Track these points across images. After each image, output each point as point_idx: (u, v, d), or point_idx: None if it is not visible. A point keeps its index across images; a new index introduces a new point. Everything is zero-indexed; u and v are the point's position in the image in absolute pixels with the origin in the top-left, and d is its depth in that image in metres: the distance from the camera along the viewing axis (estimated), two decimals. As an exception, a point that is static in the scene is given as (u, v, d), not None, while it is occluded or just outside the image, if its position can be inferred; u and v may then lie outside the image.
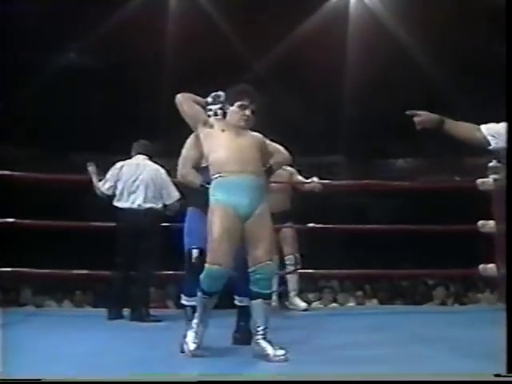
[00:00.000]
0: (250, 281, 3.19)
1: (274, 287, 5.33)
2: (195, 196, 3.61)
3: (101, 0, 11.46)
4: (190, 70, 12.73)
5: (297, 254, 5.42)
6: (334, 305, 6.73)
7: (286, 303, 5.52)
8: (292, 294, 5.48)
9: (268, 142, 3.46)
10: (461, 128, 3.05)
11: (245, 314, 3.45)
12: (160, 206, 4.92)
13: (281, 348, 3.13)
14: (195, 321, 3.26)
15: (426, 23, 11.55)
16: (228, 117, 3.35)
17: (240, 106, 3.30)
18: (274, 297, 5.35)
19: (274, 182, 5.06)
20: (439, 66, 12.10)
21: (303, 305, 5.51)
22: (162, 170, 4.98)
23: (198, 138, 3.41)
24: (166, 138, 13.57)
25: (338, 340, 3.84)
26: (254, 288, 3.18)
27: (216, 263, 3.12)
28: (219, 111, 3.47)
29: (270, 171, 3.43)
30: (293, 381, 2.77)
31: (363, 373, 2.76)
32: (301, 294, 6.01)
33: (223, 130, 3.28)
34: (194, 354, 3.19)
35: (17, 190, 5.02)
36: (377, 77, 12.38)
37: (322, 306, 6.95)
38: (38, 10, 11.46)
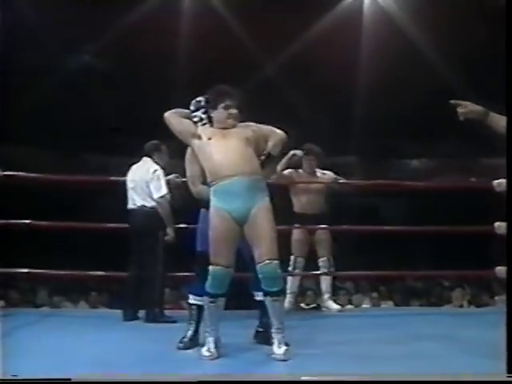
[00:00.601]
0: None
1: (294, 288, 5.38)
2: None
3: (114, 1, 11.50)
4: (204, 70, 12.75)
5: (330, 257, 5.44)
6: (350, 306, 6.71)
7: (321, 305, 5.62)
8: (326, 296, 5.51)
9: (259, 126, 3.44)
10: (505, 122, 2.92)
11: (265, 308, 3.48)
12: (152, 203, 4.91)
13: (286, 345, 3.22)
14: (207, 328, 3.38)
15: (440, 22, 11.49)
16: (214, 119, 3.40)
17: (224, 107, 3.36)
18: (290, 298, 5.39)
19: (299, 183, 5.20)
20: (454, 65, 12.03)
21: (336, 307, 5.52)
22: (153, 168, 4.98)
23: (193, 151, 3.48)
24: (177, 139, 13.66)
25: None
26: (262, 286, 3.30)
27: (217, 264, 3.25)
28: (204, 116, 3.46)
29: (270, 158, 3.46)
30: (293, 381, 2.77)
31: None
32: (317, 295, 6.04)
33: (210, 138, 3.33)
34: (210, 359, 3.30)
35: (31, 191, 5.04)
36: (391, 76, 12.33)
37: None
38: (52, 12, 11.52)
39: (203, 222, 3.66)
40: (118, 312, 5.02)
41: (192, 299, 3.73)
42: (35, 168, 5.47)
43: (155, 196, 4.89)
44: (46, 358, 3.35)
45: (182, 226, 5.10)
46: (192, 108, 3.52)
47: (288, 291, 5.46)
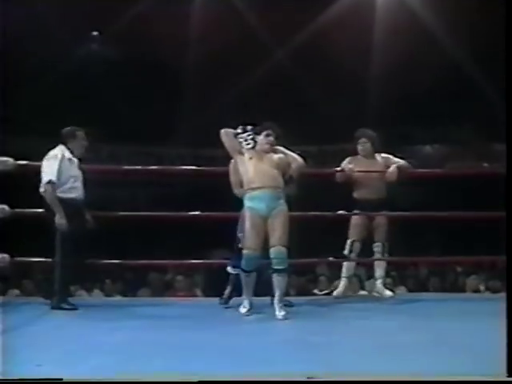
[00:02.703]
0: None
1: (349, 272, 5.49)
2: None
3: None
4: (215, 58, 12.76)
5: (385, 243, 5.44)
6: (363, 292, 6.69)
7: (371, 290, 5.65)
8: (378, 281, 5.49)
9: (285, 154, 4.66)
10: None
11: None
12: (41, 189, 4.87)
13: (285, 310, 4.39)
14: (244, 293, 4.61)
15: (454, 7, 11.39)
16: (258, 142, 4.60)
17: (265, 135, 4.62)
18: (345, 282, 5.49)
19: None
20: (467, 51, 11.94)
21: (388, 293, 5.47)
22: (49, 154, 4.94)
23: (235, 162, 4.72)
24: (189, 128, 13.69)
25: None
26: (272, 265, 4.45)
27: (249, 248, 4.48)
28: (249, 138, 4.61)
29: (291, 179, 4.71)
30: (293, 381, 2.80)
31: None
32: (332, 281, 6.03)
33: (251, 158, 4.58)
34: (246, 315, 4.54)
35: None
36: (403, 62, 12.27)
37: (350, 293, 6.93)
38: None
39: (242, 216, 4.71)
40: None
41: (230, 269, 4.94)
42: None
43: (42, 182, 4.84)
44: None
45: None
46: (239, 130, 4.63)
47: (343, 275, 5.51)
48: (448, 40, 12.26)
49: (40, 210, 5.00)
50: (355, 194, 5.52)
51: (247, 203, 4.54)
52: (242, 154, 4.61)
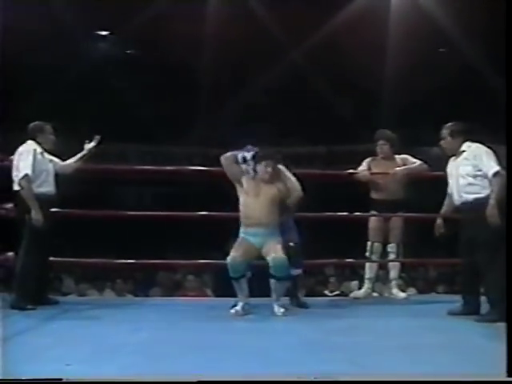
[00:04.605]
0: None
1: (371, 273, 5.46)
2: None
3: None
4: (229, 57, 12.78)
5: (400, 244, 5.44)
6: (374, 294, 6.69)
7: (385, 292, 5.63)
8: (393, 283, 5.49)
9: (285, 183, 4.72)
10: None
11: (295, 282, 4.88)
12: (17, 185, 4.76)
13: (284, 308, 4.58)
14: (238, 296, 4.63)
15: (466, 9, 11.35)
16: (258, 171, 4.68)
17: (265, 165, 4.68)
18: (368, 284, 5.47)
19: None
20: (481, 53, 11.90)
21: (402, 295, 5.48)
22: (20, 149, 4.82)
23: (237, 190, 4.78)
24: (202, 126, 13.71)
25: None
26: (270, 271, 4.56)
27: (233, 256, 4.53)
28: (249, 167, 4.70)
29: (289, 208, 4.75)
30: (294, 381, 2.82)
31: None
32: (342, 282, 6.01)
33: (247, 192, 4.67)
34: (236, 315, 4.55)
35: (56, 179, 5.10)
36: (414, 64, 12.24)
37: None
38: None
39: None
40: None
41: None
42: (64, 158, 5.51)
43: (16, 178, 4.75)
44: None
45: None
46: (240, 158, 4.72)
47: (366, 276, 5.50)
48: (461, 41, 12.23)
49: (54, 210, 5.01)
50: (373, 195, 5.51)
51: (242, 233, 4.69)
52: (241, 184, 4.71)
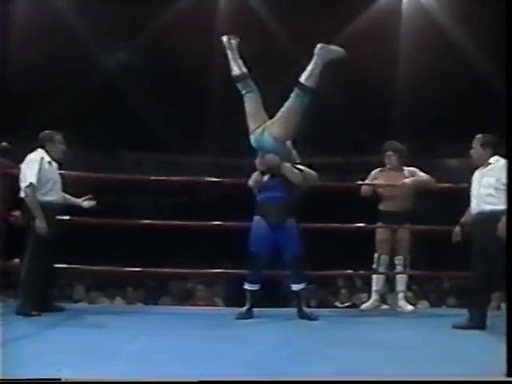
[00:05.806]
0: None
1: (378, 285, 5.45)
2: None
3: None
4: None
5: (407, 256, 5.42)
6: (385, 306, 6.64)
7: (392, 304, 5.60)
8: (400, 295, 5.47)
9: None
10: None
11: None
12: (23, 193, 4.81)
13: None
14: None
15: (479, 19, 11.31)
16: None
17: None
18: (375, 296, 5.45)
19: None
20: (494, 63, 11.83)
21: (410, 308, 5.46)
22: (28, 157, 4.87)
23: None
24: (214, 137, 13.73)
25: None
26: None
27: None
28: None
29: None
30: (294, 381, 2.80)
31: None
32: (354, 294, 5.97)
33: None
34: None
35: (68, 188, 5.12)
36: (429, 75, 12.20)
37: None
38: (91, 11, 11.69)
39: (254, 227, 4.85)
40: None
41: (248, 286, 4.86)
42: (74, 166, 5.54)
43: (22, 186, 4.79)
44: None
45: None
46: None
47: (374, 288, 5.48)
48: (476, 52, 12.18)
49: (67, 217, 5.04)
50: (381, 206, 5.51)
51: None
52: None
